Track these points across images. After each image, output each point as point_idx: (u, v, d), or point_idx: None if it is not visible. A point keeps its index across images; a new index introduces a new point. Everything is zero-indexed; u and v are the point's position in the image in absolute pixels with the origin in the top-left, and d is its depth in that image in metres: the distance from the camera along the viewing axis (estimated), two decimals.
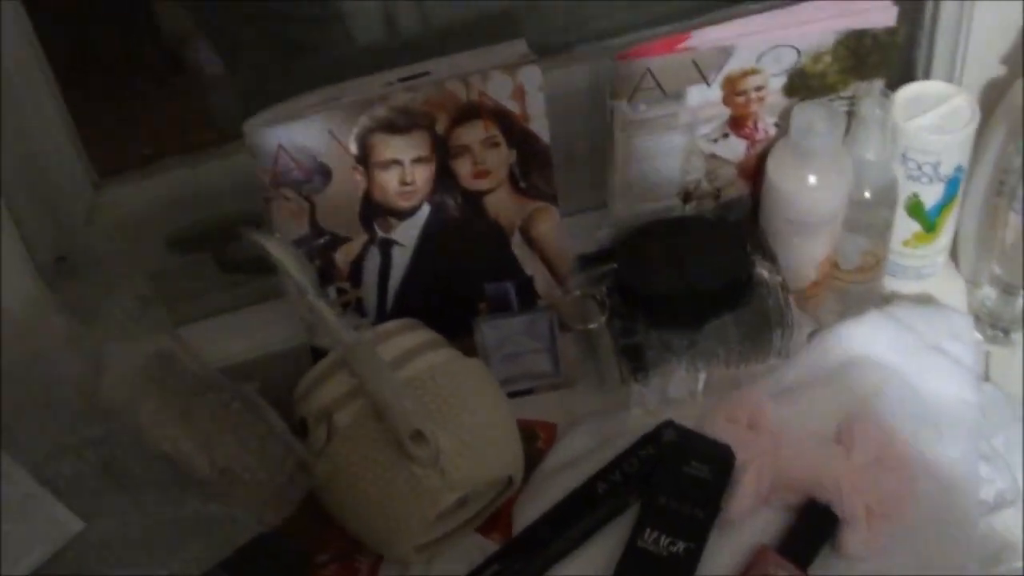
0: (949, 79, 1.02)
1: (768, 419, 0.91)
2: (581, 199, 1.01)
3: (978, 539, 0.90)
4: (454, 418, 0.87)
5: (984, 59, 1.01)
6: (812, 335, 0.99)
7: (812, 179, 0.93)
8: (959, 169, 0.98)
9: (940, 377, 0.96)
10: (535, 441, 0.99)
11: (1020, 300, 1.01)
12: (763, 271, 0.95)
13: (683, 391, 0.95)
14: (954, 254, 1.07)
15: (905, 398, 0.94)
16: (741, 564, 0.87)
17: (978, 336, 1.01)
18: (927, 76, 1.04)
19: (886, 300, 1.04)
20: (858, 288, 1.03)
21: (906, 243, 1.03)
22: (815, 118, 0.92)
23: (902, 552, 0.88)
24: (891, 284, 1.06)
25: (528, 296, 1.00)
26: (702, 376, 0.94)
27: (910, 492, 0.89)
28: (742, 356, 0.95)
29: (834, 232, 0.97)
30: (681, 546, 0.86)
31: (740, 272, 0.95)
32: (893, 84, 0.99)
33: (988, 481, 0.93)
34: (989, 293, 1.02)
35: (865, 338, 0.97)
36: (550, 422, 1.00)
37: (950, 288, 1.07)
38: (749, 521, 0.89)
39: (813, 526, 0.89)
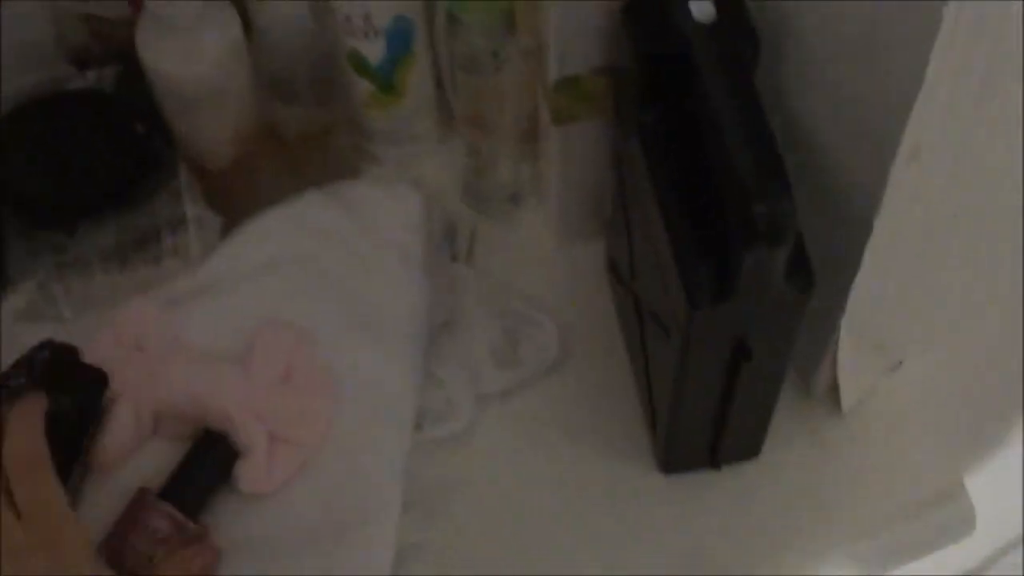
0: None
1: (154, 336, 0.76)
2: None
3: (401, 457, 0.76)
4: None
5: None
6: (229, 229, 0.82)
7: (176, 50, 0.76)
8: (403, 20, 0.80)
9: (380, 273, 0.81)
10: None
11: (500, 168, 0.85)
12: (158, 156, 0.78)
13: (65, 306, 0.79)
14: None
15: (331, 301, 0.79)
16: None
17: (451, 217, 0.86)
18: None
19: (355, 173, 0.88)
20: (320, 157, 0.86)
21: (367, 105, 0.86)
22: None
23: (313, 483, 0.74)
24: (375, 151, 0.90)
25: None
26: (77, 287, 0.78)
27: (319, 413, 0.75)
28: (124, 261, 0.78)
29: (240, 104, 0.80)
30: None
31: (123, 160, 0.78)
32: None
33: (438, 388, 0.80)
34: (469, 160, 0.86)
35: (291, 230, 0.81)
36: None
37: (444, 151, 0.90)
38: (131, 461, 0.75)
39: (206, 463, 0.75)
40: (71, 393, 0.74)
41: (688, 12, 0.63)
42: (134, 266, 0.79)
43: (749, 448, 0.78)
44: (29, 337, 0.77)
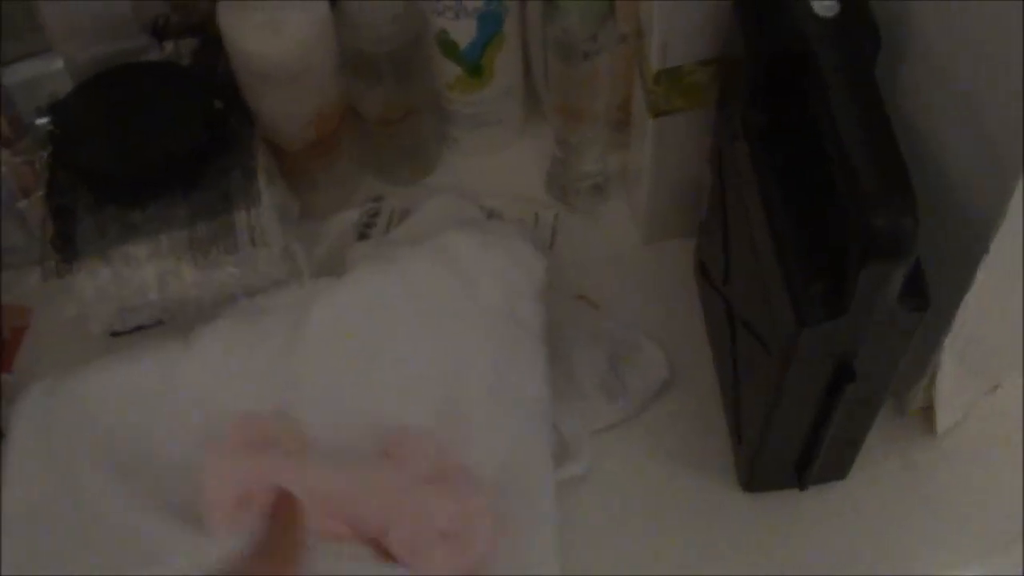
0: None
1: (282, 435, 0.69)
2: (30, 42, 0.80)
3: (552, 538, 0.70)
4: None
5: None
6: (305, 212, 0.78)
7: (259, 25, 0.72)
8: (495, 1, 0.76)
9: (507, 349, 0.73)
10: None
11: (587, 158, 0.82)
12: (235, 134, 0.75)
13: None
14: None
15: (464, 383, 0.72)
16: None
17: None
18: None
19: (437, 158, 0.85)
20: (401, 141, 0.83)
21: (452, 88, 0.82)
22: None
23: None
24: (457, 135, 0.87)
25: None
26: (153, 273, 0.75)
27: (481, 510, 0.68)
28: (196, 245, 0.75)
29: (322, 85, 0.76)
30: None
31: (199, 137, 0.75)
32: None
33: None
34: (555, 149, 0.82)
35: (401, 296, 0.73)
36: (26, 307, 0.83)
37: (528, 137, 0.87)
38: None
39: None
40: None
41: (809, 6, 0.58)
42: (204, 251, 0.75)
43: (837, 470, 0.74)
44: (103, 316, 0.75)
